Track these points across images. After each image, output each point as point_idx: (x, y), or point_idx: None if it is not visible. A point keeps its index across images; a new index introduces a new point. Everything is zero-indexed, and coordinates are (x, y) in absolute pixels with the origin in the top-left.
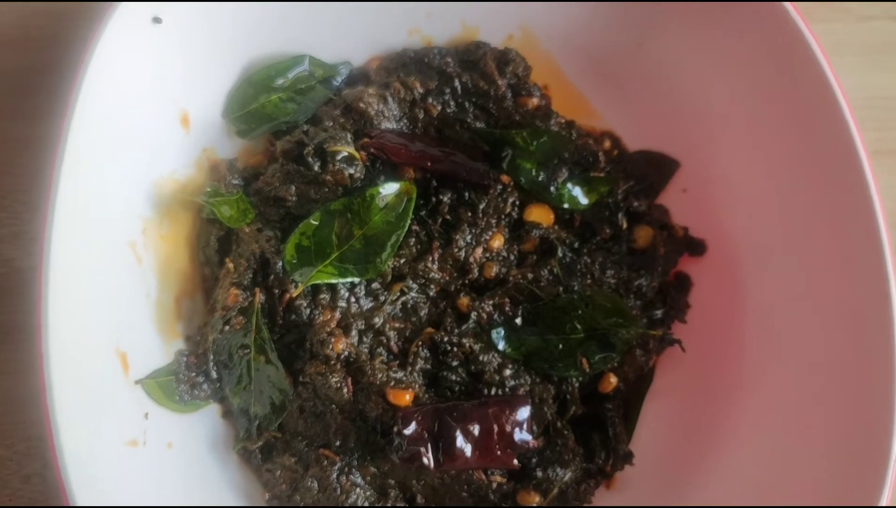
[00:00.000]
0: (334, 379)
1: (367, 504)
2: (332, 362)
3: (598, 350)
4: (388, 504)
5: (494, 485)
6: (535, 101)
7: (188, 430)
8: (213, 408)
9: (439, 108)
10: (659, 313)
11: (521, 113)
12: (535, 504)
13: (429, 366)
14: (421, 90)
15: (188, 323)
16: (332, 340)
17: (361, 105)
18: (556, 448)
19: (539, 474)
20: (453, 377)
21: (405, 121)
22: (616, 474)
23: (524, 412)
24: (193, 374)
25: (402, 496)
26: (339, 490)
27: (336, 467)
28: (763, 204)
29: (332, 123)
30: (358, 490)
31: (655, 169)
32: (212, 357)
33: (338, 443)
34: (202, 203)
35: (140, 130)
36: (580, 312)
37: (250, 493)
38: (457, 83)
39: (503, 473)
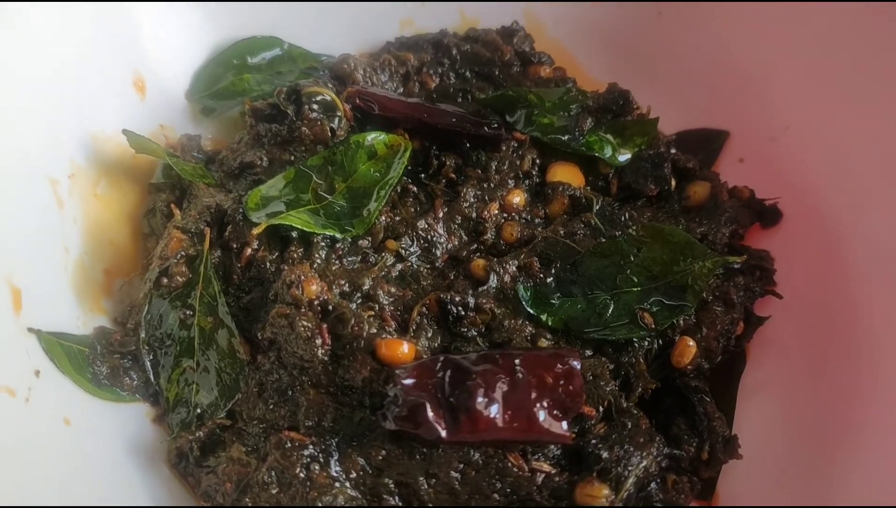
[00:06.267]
0: (303, 324)
1: None
2: (303, 308)
3: (665, 301)
4: None
5: (540, 477)
6: (547, 69)
7: (100, 416)
8: (141, 409)
9: (437, 80)
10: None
11: (532, 80)
12: (604, 503)
13: (437, 342)
14: (415, 63)
15: (118, 306)
16: (303, 279)
17: (346, 67)
18: (623, 431)
19: (605, 455)
20: (470, 351)
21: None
22: (718, 487)
23: (573, 362)
24: (117, 356)
25: (406, 505)
26: (308, 485)
27: (306, 453)
28: (857, 149)
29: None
30: (338, 487)
31: (701, 146)
32: (143, 334)
33: (309, 423)
34: (158, 155)
35: (84, 68)
36: (632, 258)
37: None
38: (455, 52)
39: (552, 459)
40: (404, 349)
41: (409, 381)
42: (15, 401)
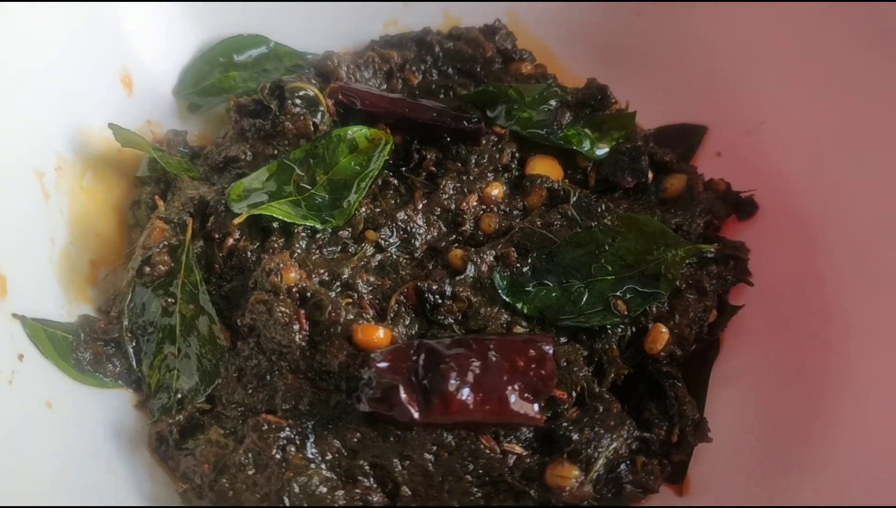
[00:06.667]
0: (281, 310)
1: (325, 491)
2: (281, 295)
3: (638, 289)
4: (358, 493)
5: (512, 459)
6: (528, 66)
7: (83, 401)
8: (124, 395)
9: (420, 77)
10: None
11: (513, 77)
12: (574, 484)
13: (414, 329)
14: (398, 60)
15: (103, 295)
16: (282, 267)
17: (330, 64)
18: (595, 415)
19: (576, 437)
20: (447, 337)
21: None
22: (689, 473)
23: (545, 347)
24: (101, 343)
25: (381, 486)
26: (284, 466)
27: (282, 435)
28: (830, 143)
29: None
30: (313, 468)
31: (680, 140)
32: (126, 321)
33: (286, 407)
34: (143, 149)
35: (73, 63)
36: (607, 248)
37: (155, 495)
38: (438, 49)
39: (523, 442)
40: (380, 335)
41: (383, 364)
42: None
